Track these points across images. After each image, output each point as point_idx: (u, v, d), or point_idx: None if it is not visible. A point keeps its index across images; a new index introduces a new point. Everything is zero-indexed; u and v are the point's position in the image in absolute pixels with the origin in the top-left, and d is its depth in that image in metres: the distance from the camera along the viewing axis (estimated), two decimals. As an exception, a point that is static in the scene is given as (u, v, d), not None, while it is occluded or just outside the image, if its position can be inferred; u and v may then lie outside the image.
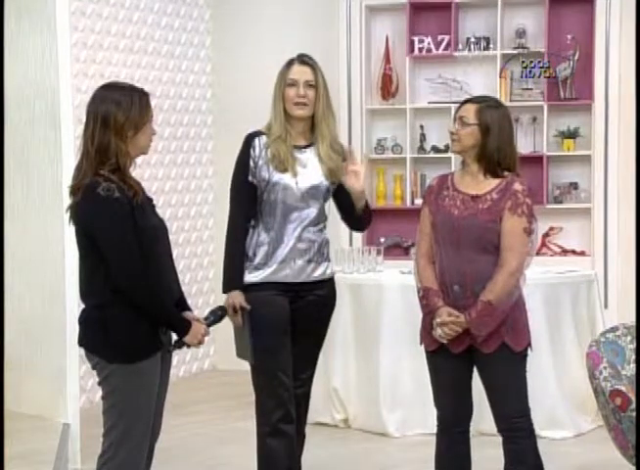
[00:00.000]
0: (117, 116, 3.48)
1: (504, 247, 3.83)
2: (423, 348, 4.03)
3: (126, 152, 3.51)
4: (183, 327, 3.56)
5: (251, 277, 4.15)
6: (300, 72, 4.13)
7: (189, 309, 3.73)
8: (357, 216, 4.25)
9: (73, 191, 3.53)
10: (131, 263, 3.43)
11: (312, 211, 4.16)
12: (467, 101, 3.98)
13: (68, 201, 3.56)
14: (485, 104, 3.92)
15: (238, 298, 4.11)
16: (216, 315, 3.79)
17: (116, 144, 3.48)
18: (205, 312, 3.85)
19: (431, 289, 3.90)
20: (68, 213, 3.58)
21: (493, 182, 3.90)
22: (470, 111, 3.89)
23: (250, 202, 4.17)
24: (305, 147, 4.19)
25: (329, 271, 4.28)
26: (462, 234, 3.85)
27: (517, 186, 3.86)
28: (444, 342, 3.87)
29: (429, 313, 3.90)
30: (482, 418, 4.55)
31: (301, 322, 4.19)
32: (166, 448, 4.34)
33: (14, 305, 5.37)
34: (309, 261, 4.18)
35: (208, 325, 3.70)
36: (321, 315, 4.29)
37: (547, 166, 7.30)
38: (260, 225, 4.17)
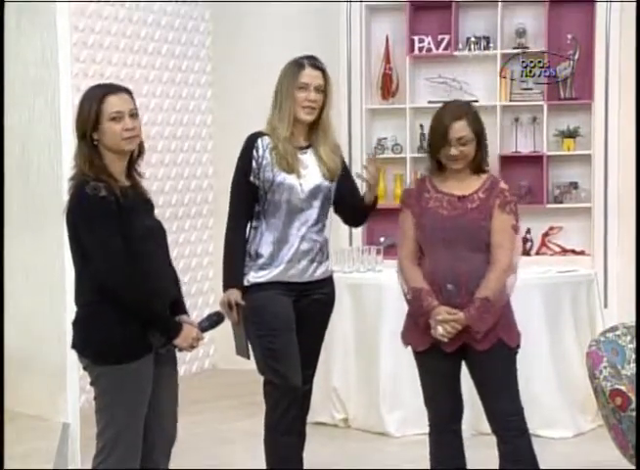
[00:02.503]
0: (79, 121, 3.49)
1: (495, 244, 3.90)
2: (410, 348, 4.06)
3: (99, 154, 3.48)
4: (173, 329, 3.53)
5: (255, 277, 4.16)
6: (312, 77, 4.14)
7: (186, 313, 3.70)
8: (362, 208, 4.31)
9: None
10: (114, 263, 3.40)
11: (315, 212, 4.20)
12: (453, 119, 3.91)
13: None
14: (468, 113, 3.95)
15: (234, 294, 4.12)
16: (211, 321, 3.75)
17: (88, 149, 3.47)
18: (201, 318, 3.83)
19: (422, 289, 3.92)
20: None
21: (477, 181, 3.97)
22: (464, 129, 3.91)
23: (250, 202, 4.19)
24: (305, 148, 4.21)
25: (329, 270, 4.34)
26: (455, 234, 3.90)
27: (502, 185, 3.98)
28: (445, 340, 3.87)
29: (423, 314, 3.91)
30: (482, 418, 4.54)
31: (305, 321, 4.21)
32: (166, 448, 4.32)
33: (14, 306, 5.37)
34: (312, 261, 4.21)
35: (203, 330, 3.66)
36: (323, 313, 4.33)
37: (547, 166, 7.30)
38: (264, 225, 4.19)
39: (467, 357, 3.96)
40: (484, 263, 3.90)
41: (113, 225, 3.41)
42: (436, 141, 3.93)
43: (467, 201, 3.93)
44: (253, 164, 4.16)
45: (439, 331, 3.86)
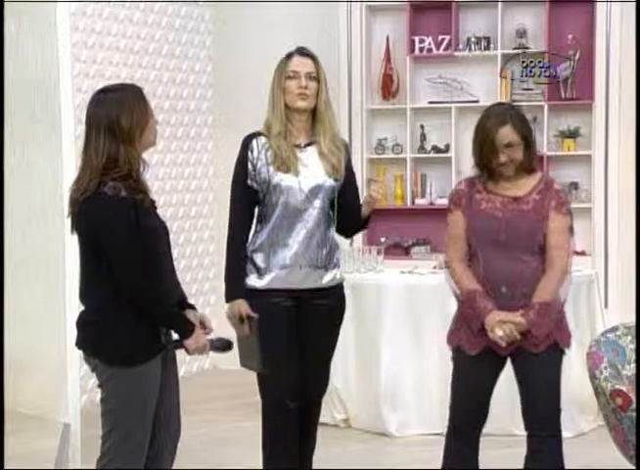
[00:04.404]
0: (121, 122, 3.41)
1: (552, 246, 3.84)
2: (451, 350, 4.00)
3: (138, 155, 3.47)
4: (186, 329, 3.53)
5: (254, 282, 4.06)
6: (302, 64, 4.04)
7: (192, 307, 3.69)
8: (357, 221, 4.14)
9: (75, 201, 3.48)
10: (135, 263, 3.40)
11: (316, 212, 4.04)
12: (500, 124, 3.85)
13: (67, 201, 3.54)
14: (512, 117, 3.87)
15: (243, 306, 4.01)
16: (223, 345, 3.65)
17: (127, 151, 3.42)
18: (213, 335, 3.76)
19: (477, 291, 3.85)
20: (70, 220, 3.53)
21: (531, 182, 3.91)
22: (511, 133, 3.84)
23: (250, 206, 4.09)
24: (306, 146, 4.08)
25: (338, 278, 4.17)
26: (510, 236, 3.83)
27: (557, 186, 3.93)
28: (503, 344, 3.80)
29: (476, 316, 3.84)
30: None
31: (308, 332, 4.10)
32: (167, 448, 4.32)
33: (14, 306, 5.36)
34: (316, 268, 4.06)
35: (211, 347, 3.61)
36: (329, 324, 4.18)
37: (547, 166, 7.29)
38: (264, 229, 4.07)
39: (516, 359, 3.90)
40: (538, 265, 3.84)
41: (133, 227, 3.39)
42: (485, 150, 3.85)
43: (522, 202, 3.87)
44: (249, 166, 4.04)
45: (498, 333, 3.78)
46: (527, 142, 3.88)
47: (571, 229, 3.91)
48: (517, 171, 3.91)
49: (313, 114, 4.08)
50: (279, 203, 4.03)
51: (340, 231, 4.26)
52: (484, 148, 3.86)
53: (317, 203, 4.05)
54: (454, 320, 4.02)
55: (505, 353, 3.88)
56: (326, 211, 4.09)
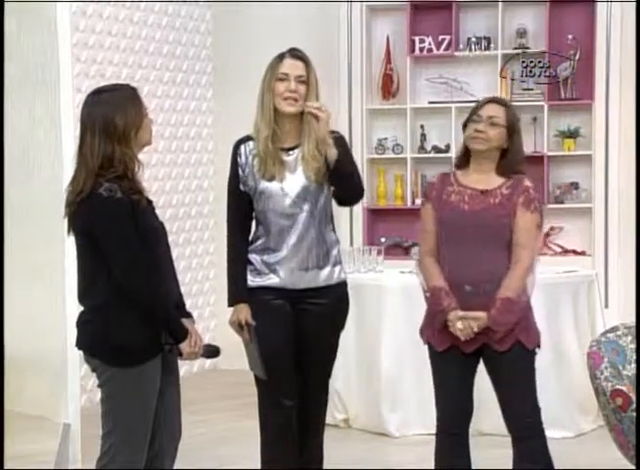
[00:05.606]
0: (116, 122, 3.41)
1: (518, 243, 3.82)
2: (427, 347, 4.00)
3: (133, 155, 3.47)
4: (182, 333, 3.52)
5: (250, 282, 4.05)
6: (292, 67, 3.98)
7: (188, 315, 3.69)
8: (340, 177, 3.97)
9: (71, 202, 3.48)
10: (134, 264, 3.39)
11: (305, 216, 4.00)
12: (490, 101, 3.94)
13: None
14: (509, 106, 3.93)
15: (243, 313, 4.02)
16: (213, 352, 3.69)
17: (122, 151, 3.42)
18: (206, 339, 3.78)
19: (442, 289, 3.85)
20: (66, 221, 3.53)
21: (501, 179, 3.90)
22: (500, 112, 3.87)
23: (245, 210, 4.07)
24: (293, 148, 4.03)
25: (336, 276, 4.11)
26: (475, 230, 3.82)
27: (527, 183, 3.89)
28: (463, 338, 3.80)
29: (440, 312, 3.85)
30: (483, 418, 4.55)
31: (308, 332, 4.07)
32: (167, 448, 4.32)
33: (15, 306, 5.36)
34: (308, 269, 4.02)
35: (203, 354, 3.62)
36: (331, 324, 4.13)
37: (548, 166, 7.30)
38: (257, 232, 4.08)
39: (485, 358, 3.92)
40: (504, 262, 3.82)
41: (130, 228, 3.39)
42: (468, 118, 3.89)
43: (489, 195, 3.84)
44: (240, 172, 4.04)
45: (458, 325, 3.78)
46: (513, 136, 3.87)
47: (539, 227, 3.88)
48: (491, 167, 3.88)
49: (302, 115, 4.02)
50: (267, 208, 4.02)
51: (340, 202, 4.15)
52: (469, 117, 3.89)
53: (306, 206, 4.02)
54: (425, 315, 4.02)
55: (469, 351, 3.88)
56: (317, 212, 4.04)
